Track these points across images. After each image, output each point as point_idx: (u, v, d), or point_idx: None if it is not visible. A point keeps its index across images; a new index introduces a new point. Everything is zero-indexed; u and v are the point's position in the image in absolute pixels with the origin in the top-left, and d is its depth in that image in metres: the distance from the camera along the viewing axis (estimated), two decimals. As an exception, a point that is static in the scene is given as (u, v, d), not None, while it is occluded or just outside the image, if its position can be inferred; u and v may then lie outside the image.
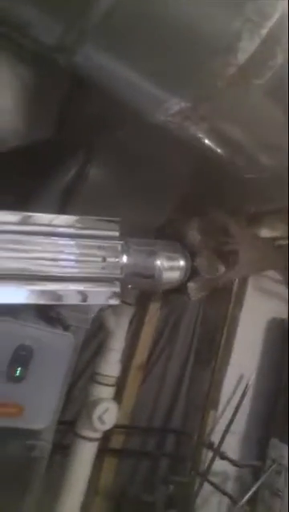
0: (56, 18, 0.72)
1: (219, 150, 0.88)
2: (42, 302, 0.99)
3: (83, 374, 2.11)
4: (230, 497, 2.19)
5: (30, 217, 1.02)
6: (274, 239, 2.10)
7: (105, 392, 1.69)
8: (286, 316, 2.60)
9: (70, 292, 1.01)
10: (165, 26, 0.68)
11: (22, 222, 1.01)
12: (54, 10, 0.71)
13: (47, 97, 1.18)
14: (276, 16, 0.65)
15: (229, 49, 0.67)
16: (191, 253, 1.25)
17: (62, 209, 1.32)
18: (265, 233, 2.21)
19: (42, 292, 0.99)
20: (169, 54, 0.72)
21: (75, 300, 1.02)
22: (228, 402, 2.41)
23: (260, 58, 0.68)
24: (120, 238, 1.06)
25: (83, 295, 1.02)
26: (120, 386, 1.91)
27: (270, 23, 0.65)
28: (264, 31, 0.65)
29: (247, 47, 0.67)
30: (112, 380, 1.72)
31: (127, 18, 0.68)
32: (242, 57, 0.67)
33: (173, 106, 0.76)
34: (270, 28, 0.65)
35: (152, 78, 0.76)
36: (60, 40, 0.73)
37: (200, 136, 0.84)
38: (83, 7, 0.67)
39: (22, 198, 1.40)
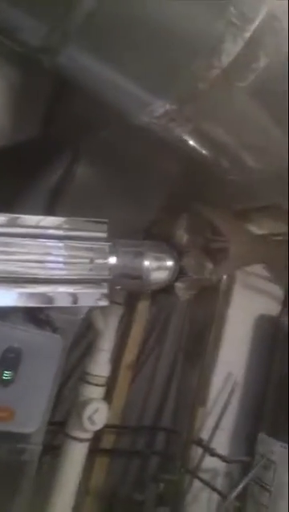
0: (40, 20, 0.72)
1: (204, 151, 0.89)
2: (32, 304, 0.99)
3: (72, 374, 2.10)
4: (220, 493, 2.21)
5: (17, 218, 1.02)
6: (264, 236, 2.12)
7: (95, 392, 1.69)
8: (274, 313, 2.63)
9: (61, 294, 1.01)
10: (148, 28, 0.69)
11: (9, 224, 1.00)
12: (38, 11, 0.70)
13: (33, 97, 1.18)
14: (259, 19, 0.66)
15: (213, 51, 0.68)
16: (178, 253, 1.26)
17: (49, 209, 1.32)
18: (253, 229, 2.24)
19: (33, 295, 0.98)
20: (152, 56, 0.72)
21: (66, 302, 1.02)
22: (217, 399, 2.43)
23: (243, 61, 0.69)
24: (107, 239, 1.06)
25: (74, 297, 1.02)
26: (109, 385, 1.91)
27: (252, 27, 0.66)
28: (247, 34, 0.66)
29: (230, 50, 0.67)
30: (102, 380, 1.72)
31: (109, 19, 0.68)
32: (225, 60, 0.68)
33: (158, 108, 0.76)
34: (253, 31, 0.66)
35: (136, 80, 0.76)
36: (44, 41, 0.72)
37: (185, 137, 0.84)
38: (66, 9, 0.67)
39: (8, 198, 1.39)
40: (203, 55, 0.69)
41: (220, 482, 2.45)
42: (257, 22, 0.65)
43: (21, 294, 0.98)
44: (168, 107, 0.75)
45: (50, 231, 1.02)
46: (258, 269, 2.51)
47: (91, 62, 0.76)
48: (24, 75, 1.06)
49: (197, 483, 2.24)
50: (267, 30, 0.67)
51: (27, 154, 1.28)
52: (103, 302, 1.05)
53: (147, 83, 0.76)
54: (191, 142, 0.86)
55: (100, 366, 1.72)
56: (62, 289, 1.02)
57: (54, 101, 1.18)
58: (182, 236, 1.28)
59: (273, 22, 0.66)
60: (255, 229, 2.15)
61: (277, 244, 1.73)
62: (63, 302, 1.02)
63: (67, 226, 1.05)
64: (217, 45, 0.67)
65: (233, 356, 2.52)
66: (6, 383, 1.07)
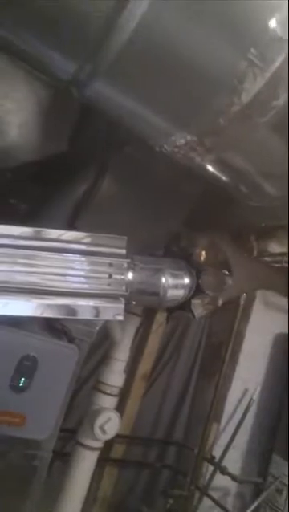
0: (70, 57, 0.75)
1: (223, 178, 0.90)
2: (55, 315, 1.02)
3: (86, 382, 2.12)
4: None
5: (40, 231, 1.05)
6: (283, 255, 2.10)
7: (108, 401, 1.70)
8: (292, 332, 2.59)
9: (83, 307, 1.03)
10: (174, 66, 0.71)
11: (33, 237, 1.04)
12: (68, 49, 0.74)
13: (61, 113, 1.22)
14: (279, 60, 0.67)
15: (234, 90, 0.70)
16: (197, 271, 1.27)
17: (72, 222, 1.35)
18: (274, 247, 2.22)
19: (55, 306, 1.01)
20: (176, 92, 0.75)
21: (88, 315, 1.04)
22: (231, 416, 2.40)
23: (263, 98, 0.70)
24: (126, 256, 1.08)
25: (96, 310, 1.04)
26: (123, 396, 1.92)
27: (273, 67, 0.67)
28: (267, 74, 0.68)
29: (251, 89, 0.69)
30: (116, 390, 1.73)
31: (138, 58, 0.70)
32: (245, 97, 0.70)
33: (180, 139, 0.79)
34: (274, 72, 0.68)
35: (160, 112, 0.79)
36: (73, 77, 0.76)
37: (205, 165, 0.86)
38: (96, 48, 0.70)
39: (34, 207, 1.44)
40: (224, 93, 0.71)
41: (230, 502, 2.41)
42: (277, 64, 0.67)
43: (41, 305, 1.01)
44: (189, 138, 0.77)
45: (72, 245, 1.05)
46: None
47: (117, 95, 0.79)
48: (53, 91, 1.10)
49: (206, 501, 2.21)
50: (286, 71, 0.68)
51: (54, 168, 1.32)
52: (120, 317, 1.07)
53: (170, 116, 0.79)
54: (211, 169, 0.88)
55: (115, 376, 1.73)
56: (82, 302, 1.05)
57: (81, 117, 1.22)
58: (201, 254, 1.28)
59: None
60: (276, 247, 2.13)
61: (279, 270, 1.72)
62: (86, 314, 1.05)
63: (87, 241, 1.08)
64: (238, 84, 0.69)
65: (249, 373, 2.49)
66: (21, 390, 1.10)
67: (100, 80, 0.75)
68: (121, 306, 1.08)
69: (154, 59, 0.71)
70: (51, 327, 1.22)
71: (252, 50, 0.67)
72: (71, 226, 1.29)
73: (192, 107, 0.75)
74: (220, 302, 1.27)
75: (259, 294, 2.48)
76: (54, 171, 1.37)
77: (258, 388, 2.35)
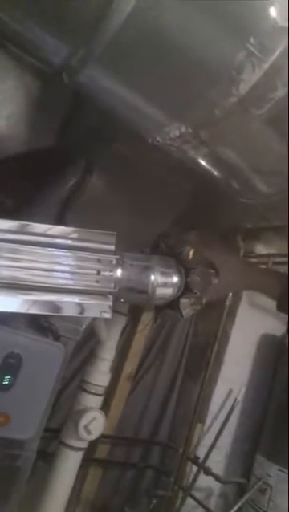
0: (63, 41, 0.73)
1: (216, 173, 0.90)
2: (39, 312, 0.99)
3: (71, 382, 2.10)
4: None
5: (26, 225, 1.03)
6: (269, 256, 2.11)
7: (93, 401, 1.68)
8: (278, 333, 2.61)
9: (68, 304, 1.01)
10: (169, 54, 0.70)
11: (19, 231, 1.01)
12: (61, 32, 0.72)
13: (50, 106, 1.20)
14: (278, 52, 0.66)
15: (231, 80, 0.69)
16: (185, 269, 1.26)
17: (59, 218, 1.33)
18: (260, 249, 2.23)
19: (40, 302, 0.99)
20: (171, 81, 0.73)
21: (73, 312, 1.02)
22: (215, 416, 2.41)
23: (261, 90, 0.69)
24: (115, 252, 1.06)
25: (81, 307, 1.02)
26: (107, 395, 1.90)
27: (272, 58, 0.67)
28: (266, 66, 0.67)
29: (248, 80, 0.68)
30: (101, 390, 1.71)
31: (132, 44, 0.69)
32: (243, 89, 0.69)
33: (173, 130, 0.77)
34: (272, 62, 0.67)
35: (154, 102, 0.77)
36: (65, 61, 0.74)
37: (198, 159, 0.85)
38: (90, 32, 0.68)
39: (21, 202, 1.41)
40: (221, 83, 0.70)
41: (214, 502, 2.41)
42: (276, 54, 0.66)
43: (27, 301, 0.99)
44: (183, 129, 0.76)
45: (59, 240, 1.03)
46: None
47: (110, 82, 0.77)
48: (43, 84, 1.08)
49: (190, 501, 2.21)
50: (286, 62, 0.67)
51: (41, 162, 1.30)
52: (107, 315, 1.05)
53: (164, 106, 0.77)
54: (204, 164, 0.87)
55: (100, 375, 1.71)
56: (68, 298, 1.02)
57: (70, 111, 1.20)
58: (189, 252, 1.27)
59: (292, 53, 0.67)
60: (262, 249, 2.15)
61: (268, 272, 1.73)
62: (70, 311, 1.02)
63: (75, 236, 1.06)
64: (235, 74, 0.68)
65: (234, 374, 2.50)
66: (5, 388, 1.07)
67: (93, 66, 0.73)
68: (109, 303, 1.06)
69: (149, 46, 0.69)
70: (37, 324, 1.19)
71: (251, 39, 0.66)
72: (58, 222, 1.26)
73: (187, 97, 0.74)
74: (204, 301, 1.26)
75: (245, 294, 2.49)
76: (41, 165, 1.35)
77: (243, 389, 2.36)
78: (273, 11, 0.65)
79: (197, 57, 0.69)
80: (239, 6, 0.67)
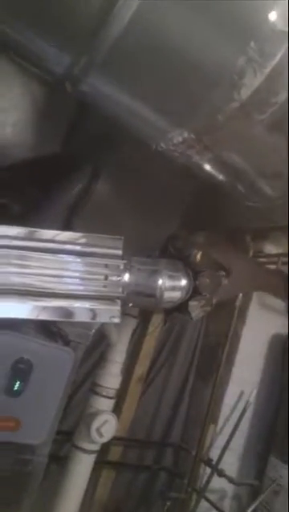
0: (64, 50, 0.74)
1: (221, 178, 0.89)
2: (51, 318, 1.01)
3: (82, 385, 2.10)
4: (226, 514, 2.17)
5: (34, 232, 1.04)
6: (278, 256, 2.09)
7: (104, 404, 1.69)
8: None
9: (80, 309, 1.02)
10: (171, 60, 0.70)
11: (27, 237, 1.02)
12: (62, 42, 0.73)
13: (56, 113, 1.21)
14: (278, 56, 0.66)
15: (233, 85, 0.69)
16: (194, 272, 1.26)
17: (67, 223, 1.34)
18: (269, 248, 2.21)
19: (51, 308, 1.00)
20: (173, 87, 0.74)
21: (85, 317, 1.03)
22: (228, 418, 2.39)
23: (262, 95, 0.69)
24: (122, 257, 1.07)
25: (93, 313, 1.03)
26: (119, 398, 1.91)
27: (272, 63, 0.66)
28: (267, 70, 0.67)
29: (250, 85, 0.68)
30: (112, 392, 1.71)
31: (133, 51, 0.69)
32: (244, 93, 0.69)
33: (177, 136, 0.77)
34: (273, 67, 0.66)
35: (156, 108, 0.77)
36: (67, 70, 0.74)
37: (202, 164, 0.85)
38: (90, 40, 0.69)
39: (28, 208, 1.42)
40: (223, 89, 0.70)
41: (227, 504, 2.40)
42: (277, 59, 0.66)
43: (36, 307, 1.00)
44: (186, 135, 0.76)
45: (67, 246, 1.04)
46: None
47: (113, 90, 0.78)
48: (48, 91, 1.09)
49: (204, 503, 2.20)
50: (287, 66, 0.67)
51: (48, 168, 1.31)
52: (117, 319, 1.05)
53: (166, 112, 0.77)
54: (209, 168, 0.87)
55: (111, 378, 1.71)
56: (77, 304, 1.03)
57: (76, 117, 1.21)
58: (197, 255, 1.27)
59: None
60: (272, 248, 2.13)
61: (276, 272, 1.71)
62: (79, 317, 1.03)
63: (82, 242, 1.06)
64: (237, 79, 0.68)
65: (246, 375, 2.48)
66: (15, 393, 1.08)
67: (95, 74, 0.74)
68: (117, 308, 1.06)
69: (150, 53, 0.69)
70: (47, 329, 1.20)
71: (252, 44, 0.66)
72: (66, 227, 1.27)
73: (190, 102, 0.74)
74: (214, 301, 1.25)
75: (256, 295, 2.47)
76: (48, 171, 1.36)
77: (255, 390, 2.34)
78: (273, 16, 0.65)
79: (199, 62, 0.69)
80: (239, 12, 0.66)
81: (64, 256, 1.03)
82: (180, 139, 0.77)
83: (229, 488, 2.36)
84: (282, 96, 0.69)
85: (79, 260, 1.04)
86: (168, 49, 0.69)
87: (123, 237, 1.08)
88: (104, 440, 1.62)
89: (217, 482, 2.24)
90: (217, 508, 2.18)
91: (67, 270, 1.02)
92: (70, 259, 1.03)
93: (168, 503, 2.19)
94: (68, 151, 1.23)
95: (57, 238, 1.03)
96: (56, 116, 1.21)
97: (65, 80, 0.79)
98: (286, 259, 2.04)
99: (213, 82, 0.71)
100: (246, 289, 1.99)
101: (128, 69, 0.73)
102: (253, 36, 0.66)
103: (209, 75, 0.70)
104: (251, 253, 2.04)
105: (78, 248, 1.05)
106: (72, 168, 1.31)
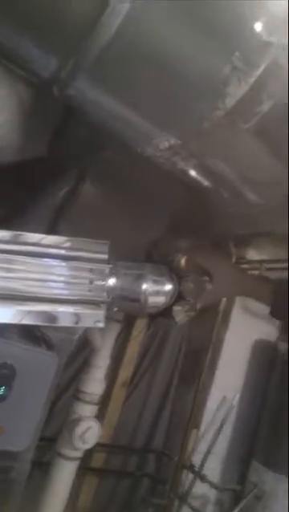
0: (51, 54, 0.74)
1: (206, 184, 0.91)
2: (35, 322, 1.00)
3: (66, 390, 2.09)
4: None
5: (19, 235, 1.03)
6: (261, 262, 2.12)
7: (88, 409, 1.67)
8: (271, 338, 2.62)
9: (64, 314, 1.01)
10: (157, 67, 0.71)
11: (12, 241, 1.01)
12: (49, 45, 0.73)
13: (42, 115, 1.21)
14: (263, 66, 0.68)
15: (218, 94, 0.70)
16: (177, 277, 1.26)
17: (52, 227, 1.33)
18: (252, 254, 2.24)
19: (35, 313, 0.99)
20: (160, 94, 0.75)
21: (68, 322, 1.02)
22: (210, 423, 2.40)
23: (247, 104, 0.71)
24: (108, 261, 1.07)
25: (77, 317, 1.02)
26: (103, 403, 1.89)
27: (257, 72, 0.68)
28: (251, 79, 0.68)
29: (235, 93, 0.69)
30: (96, 398, 1.70)
31: (120, 57, 0.70)
32: (229, 102, 0.70)
33: (162, 142, 0.78)
34: (258, 77, 0.68)
35: (143, 114, 0.78)
36: (54, 74, 0.75)
37: (187, 170, 0.86)
38: (78, 45, 0.69)
39: (13, 211, 1.41)
40: (208, 97, 0.71)
41: (210, 510, 2.40)
42: (261, 69, 0.67)
43: (20, 311, 0.99)
44: (172, 141, 0.77)
45: (51, 250, 1.03)
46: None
47: (100, 95, 0.78)
48: (35, 93, 1.09)
49: (186, 509, 2.20)
50: (271, 76, 0.69)
51: (33, 171, 1.30)
52: (101, 324, 1.05)
53: (153, 118, 0.78)
54: (194, 175, 0.88)
55: (95, 383, 1.70)
56: (61, 309, 1.03)
57: (62, 120, 1.21)
58: (181, 260, 1.28)
59: (277, 69, 0.69)
60: (254, 255, 2.16)
61: (260, 278, 1.74)
62: (64, 321, 1.03)
63: (68, 246, 1.06)
64: (222, 88, 0.69)
65: (228, 380, 2.50)
66: (-2, 399, 1.07)
67: (82, 79, 0.74)
68: (102, 312, 1.06)
69: (137, 60, 0.70)
70: (30, 334, 1.19)
71: (236, 53, 0.67)
72: (52, 230, 1.27)
73: (176, 109, 0.75)
74: (199, 306, 1.26)
75: (238, 300, 2.50)
76: (34, 174, 1.35)
77: (238, 395, 2.36)
78: (258, 26, 0.67)
79: (185, 70, 0.71)
80: (225, 21, 0.68)
81: (49, 260, 1.02)
82: (165, 145, 0.78)
83: (212, 493, 2.37)
84: (267, 105, 0.71)
85: (63, 264, 1.03)
86: (155, 56, 0.70)
87: (108, 242, 1.08)
88: (87, 446, 1.61)
89: (200, 488, 2.25)
90: (200, 514, 2.19)
91: (51, 274, 1.02)
92: (55, 263, 1.03)
93: (151, 509, 2.18)
94: (54, 153, 1.23)
95: (42, 242, 1.03)
96: (43, 118, 1.21)
97: (52, 84, 0.79)
98: (269, 265, 2.07)
99: (198, 90, 0.72)
100: (231, 294, 2.01)
101: (116, 75, 0.73)
102: (238, 46, 0.68)
103: (195, 83, 0.71)
104: (234, 260, 2.07)
105: (63, 252, 1.04)
106: (58, 171, 1.31)
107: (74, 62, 0.71)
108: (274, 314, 1.41)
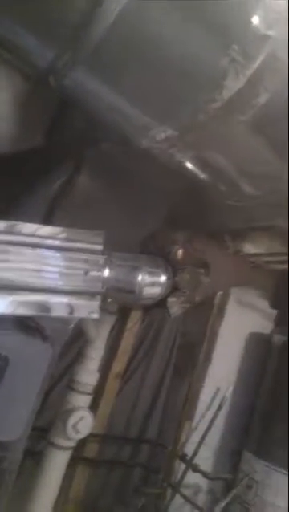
0: (48, 44, 0.73)
1: (202, 176, 0.90)
2: (28, 312, 0.99)
3: (60, 381, 2.09)
4: (201, 509, 2.19)
5: (15, 225, 1.02)
6: (258, 256, 2.13)
7: (81, 400, 1.68)
8: (265, 331, 2.63)
9: (57, 304, 1.01)
10: (154, 60, 0.70)
11: (8, 231, 1.01)
12: (46, 36, 0.72)
13: (38, 107, 1.19)
14: (260, 59, 0.67)
15: (215, 86, 0.70)
16: (174, 269, 1.27)
17: (48, 217, 1.32)
18: (248, 248, 2.25)
19: (29, 303, 0.99)
20: (156, 85, 0.74)
21: (62, 312, 1.02)
22: (203, 414, 2.42)
23: (244, 96, 0.70)
24: (103, 252, 1.07)
25: (71, 308, 1.02)
26: (96, 394, 1.90)
27: (254, 65, 0.68)
28: (249, 72, 0.68)
29: (232, 86, 0.69)
30: (89, 389, 1.71)
31: (117, 48, 0.69)
32: (226, 94, 0.70)
33: (159, 133, 0.78)
34: (255, 69, 0.68)
35: (139, 105, 0.77)
36: (51, 65, 0.74)
37: (184, 162, 0.86)
38: (75, 36, 0.68)
39: (10, 201, 1.40)
40: (205, 89, 0.71)
41: (202, 498, 2.43)
42: (258, 61, 0.67)
43: (13, 301, 0.98)
44: (169, 133, 0.77)
45: (48, 241, 1.03)
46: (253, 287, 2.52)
47: (96, 86, 0.77)
48: (30, 85, 1.07)
49: (178, 498, 2.23)
50: (268, 69, 0.68)
51: (29, 162, 1.29)
52: (96, 315, 1.05)
53: (150, 110, 0.78)
54: (190, 167, 0.88)
55: (88, 374, 1.71)
56: (56, 299, 1.02)
57: (58, 111, 1.19)
58: (178, 252, 1.28)
59: (274, 62, 0.68)
60: (251, 248, 2.16)
61: (261, 268, 1.74)
62: (60, 312, 1.03)
63: (63, 236, 1.06)
64: (219, 80, 0.69)
65: (222, 372, 2.51)
66: (-9, 389, 1.06)
67: (79, 70, 0.73)
68: (97, 303, 1.06)
69: (134, 51, 0.70)
70: (24, 324, 1.19)
71: (234, 46, 0.67)
72: (47, 220, 1.26)
73: (172, 101, 0.75)
74: (197, 298, 1.27)
75: (234, 293, 2.50)
76: (30, 165, 1.34)
77: (231, 387, 2.38)
78: (256, 19, 0.66)
79: (182, 62, 0.70)
80: (223, 14, 0.67)
81: (44, 250, 1.02)
82: (162, 136, 0.78)
83: (204, 482, 2.39)
84: (263, 98, 0.70)
85: (58, 255, 1.03)
86: (152, 48, 0.69)
87: (103, 232, 1.07)
88: (80, 436, 1.62)
89: (192, 477, 2.27)
90: (191, 502, 2.21)
91: (46, 264, 1.01)
92: (49, 254, 1.03)
93: (144, 498, 2.21)
94: (51, 144, 1.22)
95: (37, 232, 1.02)
96: (39, 110, 1.20)
97: (48, 74, 0.78)
98: (266, 259, 2.07)
99: (196, 82, 0.72)
100: (231, 284, 2.01)
101: (113, 66, 0.73)
102: (236, 39, 0.68)
103: (193, 75, 0.71)
104: (231, 253, 2.07)
105: (58, 243, 1.04)
106: (54, 162, 1.30)
107: (71, 52, 0.71)
108: (275, 305, 1.41)
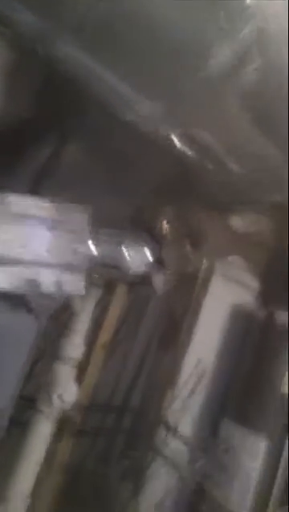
0: (36, 11, 0.70)
1: (189, 153, 0.89)
2: (16, 287, 0.99)
3: (45, 352, 2.11)
4: (180, 469, 2.31)
5: (3, 197, 1.00)
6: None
7: (67, 371, 1.71)
8: (249, 305, 2.69)
9: (45, 280, 1.01)
10: (140, 30, 0.68)
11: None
12: (35, 5, 0.68)
13: (24, 79, 1.16)
14: (248, 29, 0.66)
15: (200, 55, 0.68)
16: (159, 245, 1.27)
17: (34, 189, 1.30)
18: (236, 221, 2.26)
19: (16, 278, 0.98)
20: (143, 55, 0.72)
21: (47, 288, 1.02)
22: (185, 384, 2.49)
23: (231, 69, 0.69)
24: (89, 228, 1.06)
25: (59, 283, 1.02)
26: (82, 364, 1.93)
27: (240, 35, 0.66)
28: (235, 43, 0.66)
29: (218, 54, 0.67)
30: (75, 361, 1.74)
31: (106, 18, 0.67)
32: (213, 62, 0.68)
33: (144, 107, 0.76)
34: (242, 40, 0.66)
35: (125, 78, 0.75)
36: (39, 33, 0.71)
37: (171, 138, 0.84)
38: (63, 6, 0.65)
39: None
40: (192, 57, 0.69)
41: (182, 461, 2.54)
42: (245, 32, 0.65)
43: (4, 275, 0.98)
44: (154, 107, 0.75)
45: (36, 215, 1.02)
46: (238, 260, 2.54)
47: (83, 56, 0.75)
48: (17, 57, 1.03)
49: (159, 462, 2.32)
50: (257, 44, 0.67)
51: (15, 134, 1.25)
52: (82, 291, 1.06)
53: (135, 82, 0.76)
54: (177, 143, 0.86)
55: (74, 347, 1.74)
56: (42, 274, 1.02)
57: (44, 83, 1.15)
58: (164, 227, 1.28)
59: (263, 38, 0.67)
60: (238, 221, 2.18)
61: (254, 240, 1.76)
62: (44, 287, 1.03)
63: (50, 210, 1.04)
64: (205, 48, 0.67)
65: (204, 344, 2.57)
66: (-23, 361, 1.07)
67: (66, 39, 0.70)
68: (83, 279, 1.06)
69: (121, 23, 0.67)
70: (10, 297, 1.18)
71: (221, 13, 0.65)
72: (34, 191, 1.24)
73: (158, 71, 0.73)
74: (182, 273, 1.28)
75: (218, 266, 2.52)
76: (16, 136, 1.30)
77: (212, 358, 2.45)
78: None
79: (168, 30, 0.68)
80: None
81: (31, 224, 1.01)
82: (147, 110, 0.76)
83: (184, 447, 2.49)
84: (252, 74, 0.69)
85: (45, 229, 1.02)
86: (138, 19, 0.67)
87: (90, 207, 1.06)
88: (66, 406, 1.67)
89: (173, 443, 2.36)
90: (171, 463, 2.31)
91: (33, 239, 1.00)
92: (37, 228, 1.01)
93: (127, 461, 2.30)
94: (37, 115, 1.18)
95: (28, 206, 1.01)
96: (24, 81, 1.16)
97: (36, 43, 0.75)
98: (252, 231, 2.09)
99: (181, 51, 0.69)
100: (226, 254, 2.02)
101: (101, 36, 0.70)
102: (223, 9, 0.65)
103: (178, 43, 0.69)
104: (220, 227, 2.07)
105: (45, 217, 1.03)
106: (40, 134, 1.26)
107: (59, 21, 0.67)
108: (269, 282, 1.43)
